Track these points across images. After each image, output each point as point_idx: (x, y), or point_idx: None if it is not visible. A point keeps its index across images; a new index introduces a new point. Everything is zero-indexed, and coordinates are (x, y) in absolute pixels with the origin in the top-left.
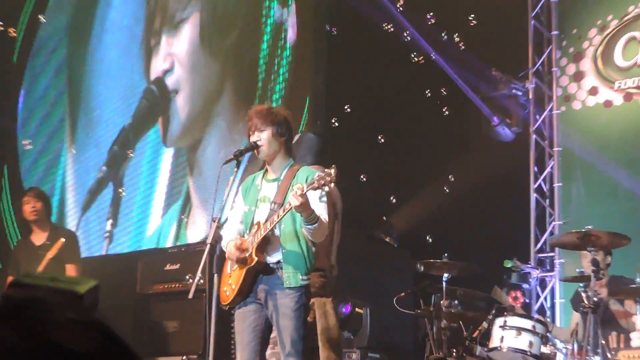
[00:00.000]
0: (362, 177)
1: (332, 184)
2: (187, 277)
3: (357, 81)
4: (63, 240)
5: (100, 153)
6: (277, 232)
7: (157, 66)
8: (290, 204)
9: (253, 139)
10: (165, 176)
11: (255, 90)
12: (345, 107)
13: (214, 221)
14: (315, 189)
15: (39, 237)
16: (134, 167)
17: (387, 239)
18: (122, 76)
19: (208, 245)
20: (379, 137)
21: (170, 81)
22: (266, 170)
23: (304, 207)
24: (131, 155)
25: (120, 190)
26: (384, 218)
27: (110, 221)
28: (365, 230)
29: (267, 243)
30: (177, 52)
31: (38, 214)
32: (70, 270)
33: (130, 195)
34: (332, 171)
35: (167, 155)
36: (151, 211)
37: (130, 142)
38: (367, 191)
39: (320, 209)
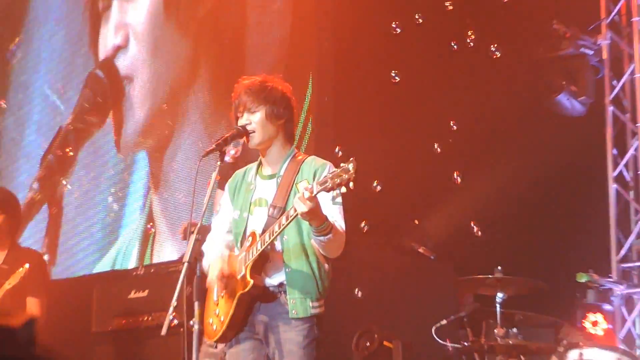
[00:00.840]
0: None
1: (351, 184)
2: (172, 316)
3: (370, 41)
4: (27, 266)
5: (31, 165)
6: (278, 246)
7: (107, 41)
8: (295, 210)
9: (241, 122)
10: (121, 189)
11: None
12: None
13: (193, 232)
14: (328, 190)
15: None
16: (78, 180)
17: (421, 249)
18: (59, 58)
19: (185, 264)
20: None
21: (123, 63)
22: (260, 163)
23: (314, 213)
24: (71, 154)
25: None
26: (416, 222)
27: (47, 256)
28: (392, 239)
29: (265, 261)
30: (133, 23)
31: None
32: (33, 305)
33: (77, 220)
34: (351, 166)
35: (123, 162)
36: (106, 234)
37: (71, 147)
38: (391, 188)
39: (335, 214)
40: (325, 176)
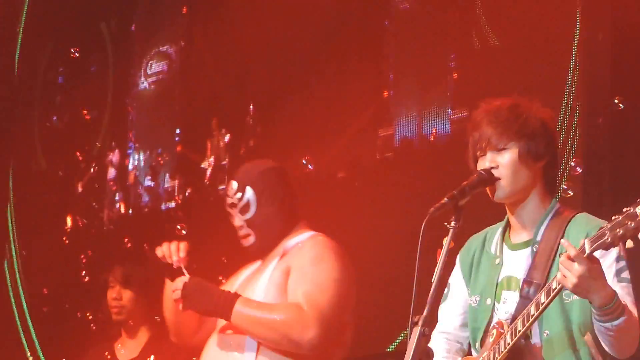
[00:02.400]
0: None
1: None
2: None
3: None
4: None
5: None
6: (535, 339)
7: None
8: (558, 282)
9: (483, 164)
10: None
11: None
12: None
13: (416, 324)
14: (607, 247)
15: (128, 349)
16: None
17: None
18: None
19: None
20: None
21: None
22: (508, 224)
23: (590, 283)
24: None
25: None
26: None
27: None
28: None
29: None
30: None
31: (125, 312)
32: None
33: None
34: (639, 209)
35: None
36: None
37: None
38: None
39: (622, 295)
40: (602, 227)
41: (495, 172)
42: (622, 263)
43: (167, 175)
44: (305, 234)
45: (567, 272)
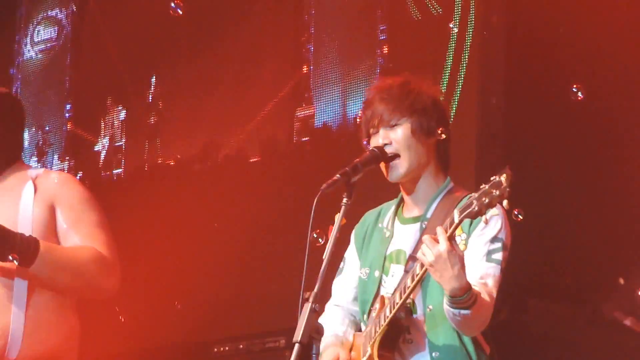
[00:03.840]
0: None
1: (506, 203)
2: None
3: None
4: None
5: None
6: (418, 312)
7: None
8: (417, 257)
9: (376, 141)
10: None
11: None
12: None
13: (307, 300)
14: (474, 216)
15: None
16: None
17: (629, 322)
18: None
19: (297, 346)
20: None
21: None
22: (402, 201)
23: (447, 266)
24: None
25: None
26: (622, 280)
27: None
28: (583, 306)
29: (398, 334)
30: None
31: None
32: None
33: None
34: (503, 178)
35: None
36: None
37: None
38: (582, 227)
39: (487, 275)
40: (470, 196)
41: (389, 149)
42: (498, 244)
43: (56, 156)
44: (38, 169)
45: (427, 250)
